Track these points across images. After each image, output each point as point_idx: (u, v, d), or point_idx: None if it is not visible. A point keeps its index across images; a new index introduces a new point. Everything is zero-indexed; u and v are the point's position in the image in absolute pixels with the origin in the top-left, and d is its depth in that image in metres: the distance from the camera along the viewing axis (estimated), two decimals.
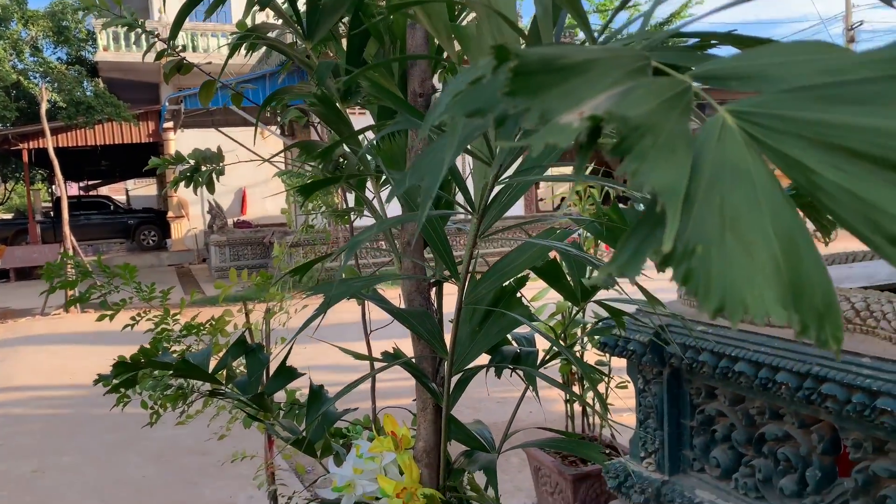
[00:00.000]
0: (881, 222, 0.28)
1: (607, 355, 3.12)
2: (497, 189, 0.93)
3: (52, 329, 9.34)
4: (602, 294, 1.52)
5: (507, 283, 1.15)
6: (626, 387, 3.21)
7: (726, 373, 2.17)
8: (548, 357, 1.30)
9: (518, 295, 1.19)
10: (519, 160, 0.98)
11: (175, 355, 1.53)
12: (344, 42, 1.22)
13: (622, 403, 3.32)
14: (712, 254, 0.32)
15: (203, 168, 2.19)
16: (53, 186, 28.74)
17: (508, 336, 1.32)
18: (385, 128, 0.99)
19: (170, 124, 15.39)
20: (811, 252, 0.32)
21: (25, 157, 17.63)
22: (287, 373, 1.38)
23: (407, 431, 1.26)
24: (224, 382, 1.36)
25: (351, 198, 1.98)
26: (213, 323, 2.45)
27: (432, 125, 0.52)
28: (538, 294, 3.23)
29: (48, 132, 11.27)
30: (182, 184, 2.18)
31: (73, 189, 29.61)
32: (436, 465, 1.23)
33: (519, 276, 1.11)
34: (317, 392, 1.44)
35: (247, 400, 1.33)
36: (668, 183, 0.32)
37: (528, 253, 0.99)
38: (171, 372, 1.35)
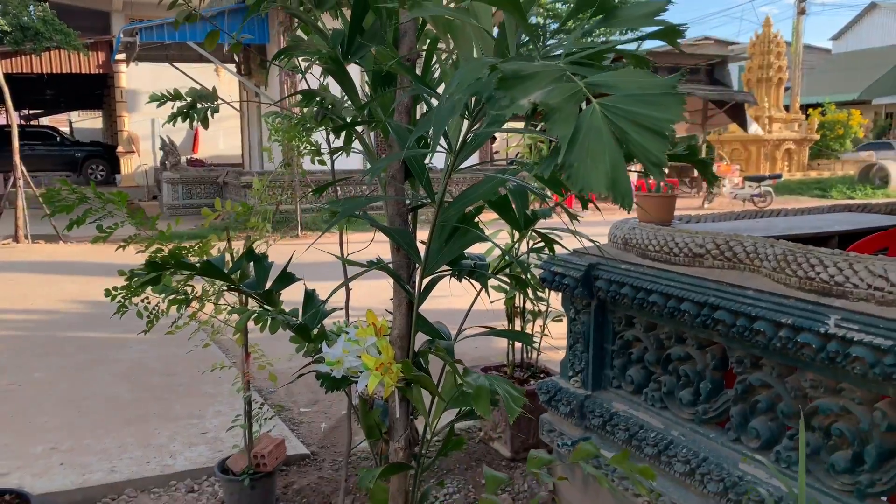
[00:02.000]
0: (650, 157, 0.64)
1: (548, 291, 3.54)
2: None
3: (5, 258, 9.36)
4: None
5: (468, 209, 1.51)
6: (561, 320, 3.62)
7: (642, 304, 2.60)
8: (499, 267, 1.67)
9: (476, 220, 1.55)
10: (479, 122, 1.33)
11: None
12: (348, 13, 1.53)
13: (558, 343, 3.73)
14: (580, 166, 0.67)
15: (199, 105, 2.46)
16: (5, 112, 27.66)
17: (466, 253, 1.68)
18: (391, 90, 1.32)
19: (122, 56, 15.06)
20: (622, 169, 0.67)
21: None
22: (287, 277, 1.72)
23: (385, 322, 1.63)
24: (237, 283, 1.69)
25: (332, 140, 2.28)
26: (201, 246, 2.75)
27: (430, 94, 0.86)
28: (491, 234, 3.61)
29: None
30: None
31: (15, 118, 28.52)
32: (406, 348, 1.60)
33: (477, 205, 1.47)
34: (310, 294, 1.80)
35: (257, 295, 1.67)
36: (563, 134, 0.67)
37: (486, 185, 1.35)
38: (193, 273, 1.67)
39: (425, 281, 1.57)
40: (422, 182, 1.35)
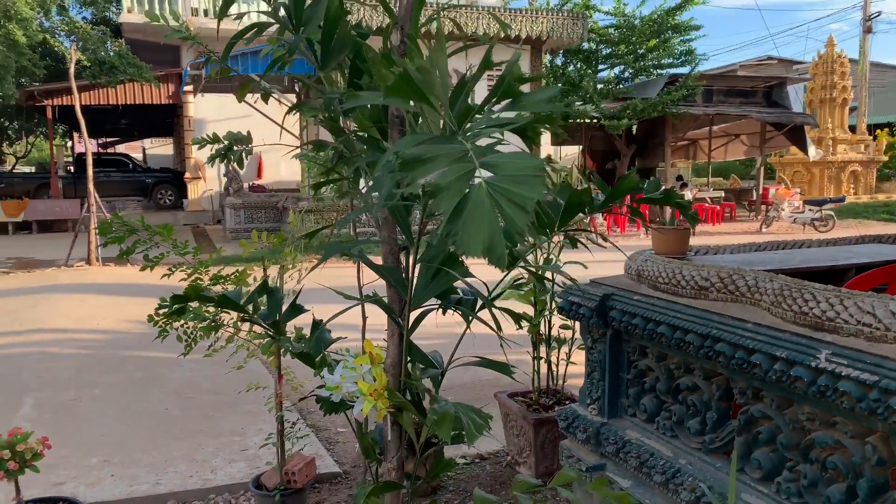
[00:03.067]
0: (515, 227, 0.78)
1: (572, 321, 3.63)
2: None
3: (77, 279, 9.95)
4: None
5: (451, 252, 1.66)
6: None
7: (652, 334, 2.68)
8: (488, 300, 1.81)
9: (460, 258, 1.69)
10: None
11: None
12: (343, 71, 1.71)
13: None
14: (463, 234, 0.81)
15: (235, 148, 2.70)
16: (74, 142, 29.34)
17: (458, 287, 1.82)
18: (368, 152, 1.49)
19: (190, 88, 15.86)
20: (499, 236, 0.81)
21: (50, 114, 18.20)
22: (296, 309, 1.90)
23: (380, 351, 1.78)
24: (251, 313, 1.88)
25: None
26: (237, 275, 2.97)
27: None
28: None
29: (76, 91, 11.78)
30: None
31: (92, 146, 30.17)
32: (399, 375, 1.75)
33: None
34: (317, 323, 1.97)
35: (267, 325, 1.85)
36: (446, 209, 0.81)
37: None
38: (211, 305, 1.86)
39: (414, 314, 1.72)
40: (402, 228, 1.51)
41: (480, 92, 1.08)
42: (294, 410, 4.60)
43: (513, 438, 3.90)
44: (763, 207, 19.25)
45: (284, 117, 2.03)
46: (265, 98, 2.34)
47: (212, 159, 2.70)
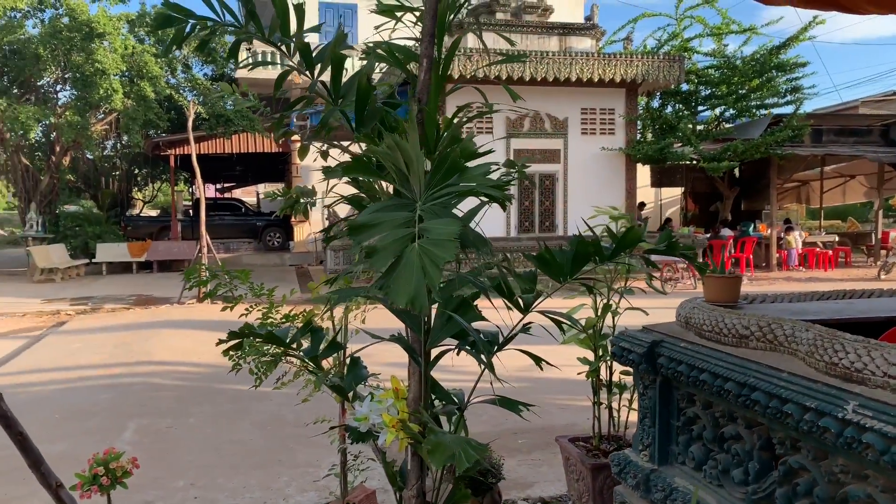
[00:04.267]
0: (430, 284, 0.95)
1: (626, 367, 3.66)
2: None
3: (186, 316, 10.73)
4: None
5: (465, 295, 1.82)
6: None
7: (696, 382, 2.70)
8: (502, 343, 1.95)
9: (475, 303, 1.85)
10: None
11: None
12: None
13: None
14: (394, 287, 0.97)
15: (301, 200, 2.98)
16: (194, 188, 31.69)
17: (479, 329, 1.97)
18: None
19: (297, 137, 16.91)
20: (422, 291, 0.96)
21: (172, 162, 19.79)
22: (335, 345, 2.10)
23: (404, 387, 1.95)
24: (296, 349, 2.10)
25: None
26: (305, 314, 3.23)
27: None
28: (571, 310, 3.82)
29: (192, 141, 12.83)
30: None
31: (210, 191, 32.40)
32: (420, 410, 1.91)
33: (470, 294, 1.78)
34: (355, 360, 2.16)
35: (307, 360, 2.07)
36: (380, 266, 0.98)
37: (459, 280, 1.66)
38: (262, 340, 2.10)
39: (434, 352, 1.88)
40: None
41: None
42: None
43: (573, 483, 3.93)
44: (883, 252, 18.08)
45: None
46: (324, 156, 2.60)
47: (282, 210, 2.99)
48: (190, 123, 12.85)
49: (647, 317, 3.88)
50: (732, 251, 16.44)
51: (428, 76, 1.78)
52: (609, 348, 3.81)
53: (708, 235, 17.15)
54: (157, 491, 3.93)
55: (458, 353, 1.88)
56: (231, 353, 2.96)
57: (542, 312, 2.00)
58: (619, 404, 3.93)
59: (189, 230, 21.89)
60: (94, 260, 18.66)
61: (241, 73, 19.37)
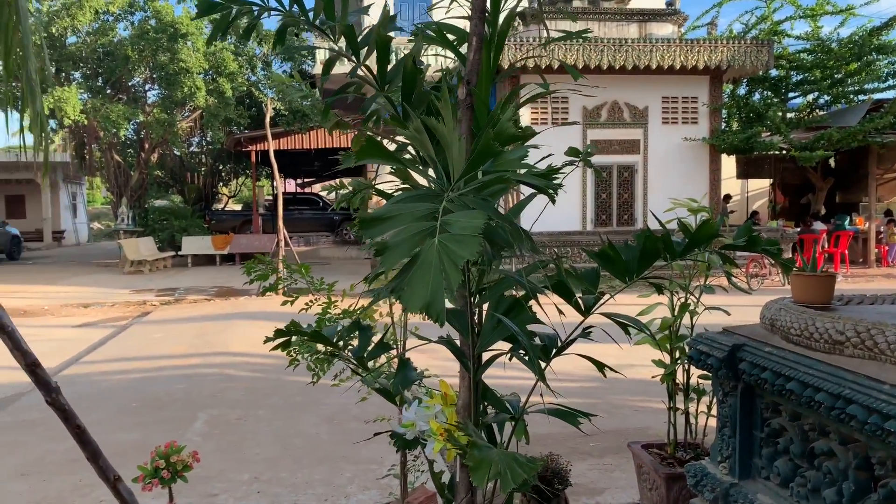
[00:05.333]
0: (449, 284, 0.80)
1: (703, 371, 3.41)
2: None
3: (263, 307, 10.94)
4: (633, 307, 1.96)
5: (518, 296, 1.66)
6: None
7: (782, 390, 2.45)
8: (559, 348, 1.78)
9: (528, 304, 1.69)
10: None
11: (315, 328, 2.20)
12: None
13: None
14: (408, 290, 0.83)
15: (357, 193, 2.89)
16: (275, 183, 32.52)
17: (535, 331, 1.82)
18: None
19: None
20: (440, 294, 0.82)
21: (253, 158, 20.33)
22: (383, 346, 1.98)
23: (454, 393, 1.82)
24: (342, 348, 2.00)
25: None
26: (365, 311, 3.14)
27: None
28: (646, 309, 3.59)
29: (270, 137, 13.09)
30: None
31: (291, 186, 33.20)
32: (470, 417, 1.77)
33: (521, 294, 1.62)
34: (405, 361, 2.04)
35: (353, 359, 1.96)
36: (387, 267, 0.84)
37: (502, 285, 1.51)
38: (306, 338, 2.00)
39: (485, 356, 1.74)
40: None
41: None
42: None
43: (646, 492, 3.70)
44: None
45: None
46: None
47: (338, 203, 2.91)
48: (267, 120, 13.12)
49: (729, 317, 3.60)
50: (826, 246, 15.49)
51: (478, 56, 1.63)
52: (686, 350, 3.57)
53: (799, 229, 16.23)
54: (221, 483, 3.95)
55: (510, 359, 1.73)
56: (285, 349, 2.91)
57: (608, 315, 1.82)
58: (697, 410, 3.67)
59: (270, 224, 22.45)
60: (179, 252, 19.41)
61: (318, 70, 19.66)
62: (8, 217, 27.90)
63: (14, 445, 4.87)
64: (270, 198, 28.38)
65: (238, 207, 30.95)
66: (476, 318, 1.75)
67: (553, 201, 1.27)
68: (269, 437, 4.84)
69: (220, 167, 26.36)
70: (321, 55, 19.89)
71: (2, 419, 5.57)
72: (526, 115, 14.81)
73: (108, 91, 19.85)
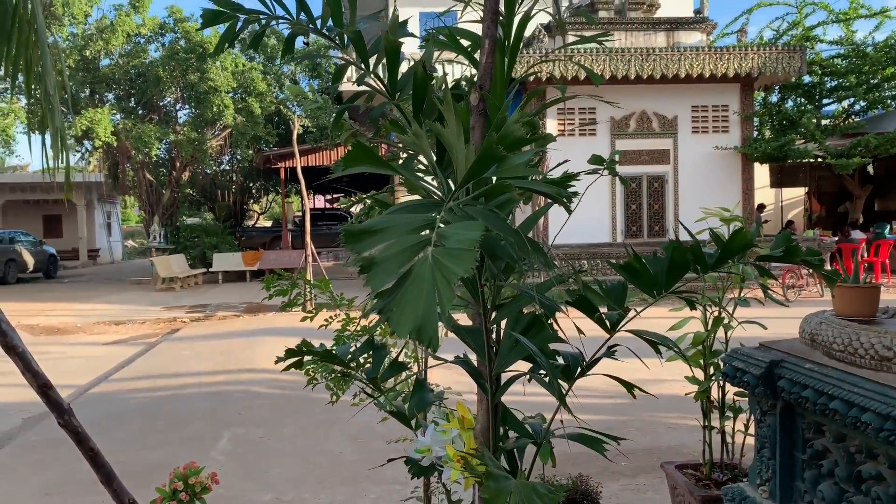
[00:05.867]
0: (442, 304, 0.69)
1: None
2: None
3: (290, 323, 10.91)
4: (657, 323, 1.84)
5: (537, 313, 1.56)
6: None
7: (825, 410, 2.30)
8: (583, 369, 1.67)
9: (549, 322, 1.59)
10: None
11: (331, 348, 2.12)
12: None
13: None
14: (397, 311, 0.74)
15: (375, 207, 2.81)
16: (303, 199, 32.77)
17: (559, 350, 1.71)
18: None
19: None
20: (432, 316, 0.73)
21: (282, 175, 20.48)
22: (398, 366, 1.89)
23: (472, 417, 1.71)
24: (354, 368, 1.91)
25: None
26: (384, 327, 3.05)
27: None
28: (678, 323, 3.44)
29: (297, 154, 13.16)
30: None
31: (321, 202, 33.42)
32: (489, 442, 1.66)
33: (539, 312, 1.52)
34: (421, 382, 1.94)
35: (366, 380, 1.87)
36: (376, 286, 0.75)
37: (517, 302, 1.41)
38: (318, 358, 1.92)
39: (504, 377, 1.63)
40: (471, 291, 1.44)
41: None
42: None
43: None
44: None
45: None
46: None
47: (357, 217, 2.83)
48: (294, 137, 13.20)
49: (766, 331, 3.44)
50: (865, 255, 15.04)
51: (490, 60, 1.55)
52: (721, 366, 3.41)
53: (836, 238, 15.80)
54: None
55: (529, 381, 1.62)
56: (299, 368, 2.83)
57: (635, 332, 1.71)
58: (734, 428, 3.50)
59: (299, 240, 22.58)
60: (210, 269, 19.57)
61: (344, 87, 19.80)
62: (45, 236, 28.51)
63: (40, 464, 4.86)
64: (300, 214, 28.61)
65: (268, 224, 31.22)
66: (494, 335, 1.65)
67: (568, 210, 1.17)
68: (293, 456, 4.77)
69: (251, 184, 26.66)
70: (347, 73, 20.05)
71: (31, 438, 5.58)
72: (552, 126, 14.69)
73: (141, 111, 20.22)
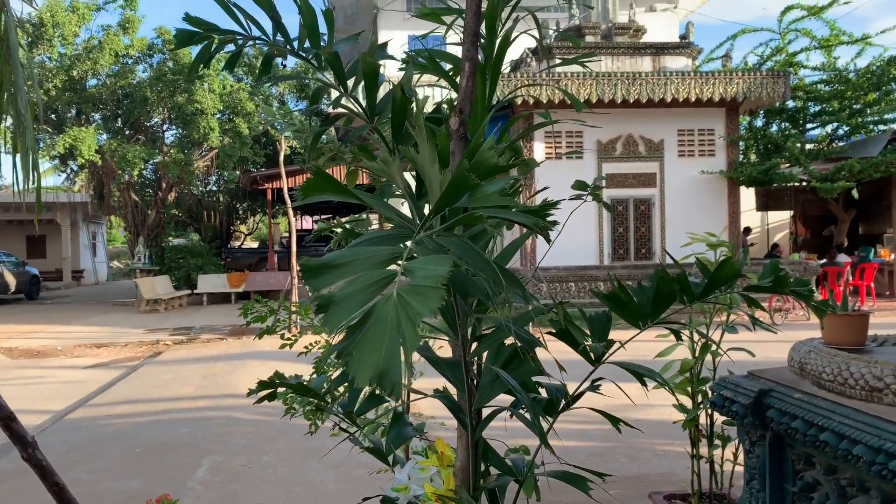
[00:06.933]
0: (406, 346, 0.64)
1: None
2: None
3: (274, 347, 10.77)
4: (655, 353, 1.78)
5: (518, 346, 1.50)
6: None
7: (815, 441, 2.24)
8: (566, 404, 1.61)
9: (530, 355, 1.52)
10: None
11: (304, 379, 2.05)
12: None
13: None
14: (357, 355, 0.68)
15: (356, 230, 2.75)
16: (290, 220, 32.65)
17: (544, 383, 1.65)
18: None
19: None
20: (396, 360, 0.67)
21: (269, 196, 20.39)
22: (376, 399, 1.82)
23: (452, 452, 1.64)
24: (329, 401, 1.83)
25: None
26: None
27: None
28: (665, 350, 3.39)
29: (284, 176, 13.10)
30: None
31: (308, 223, 33.28)
32: (468, 479, 1.59)
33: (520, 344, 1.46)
34: (399, 415, 1.87)
35: (342, 415, 1.80)
36: (333, 327, 0.69)
37: (494, 337, 1.35)
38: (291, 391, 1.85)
39: (485, 412, 1.57)
40: (449, 323, 1.38)
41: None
42: None
43: None
44: None
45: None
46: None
47: (335, 243, 2.78)
48: (281, 158, 13.16)
49: (754, 357, 3.40)
50: (850, 279, 15.11)
51: (471, 83, 1.50)
52: (709, 394, 3.36)
53: (822, 262, 15.88)
54: None
55: (510, 417, 1.56)
56: (272, 400, 2.75)
57: (620, 364, 1.65)
58: (723, 457, 3.44)
59: (286, 261, 22.42)
60: (195, 291, 19.38)
61: (332, 109, 19.82)
62: (29, 257, 28.18)
63: (13, 494, 4.71)
64: (287, 235, 28.47)
65: (255, 245, 31.03)
66: (476, 367, 1.59)
67: (547, 240, 1.12)
68: (274, 485, 4.65)
69: (237, 205, 26.52)
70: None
71: (4, 465, 5.42)
72: (540, 150, 14.73)
73: (128, 132, 20.11)
